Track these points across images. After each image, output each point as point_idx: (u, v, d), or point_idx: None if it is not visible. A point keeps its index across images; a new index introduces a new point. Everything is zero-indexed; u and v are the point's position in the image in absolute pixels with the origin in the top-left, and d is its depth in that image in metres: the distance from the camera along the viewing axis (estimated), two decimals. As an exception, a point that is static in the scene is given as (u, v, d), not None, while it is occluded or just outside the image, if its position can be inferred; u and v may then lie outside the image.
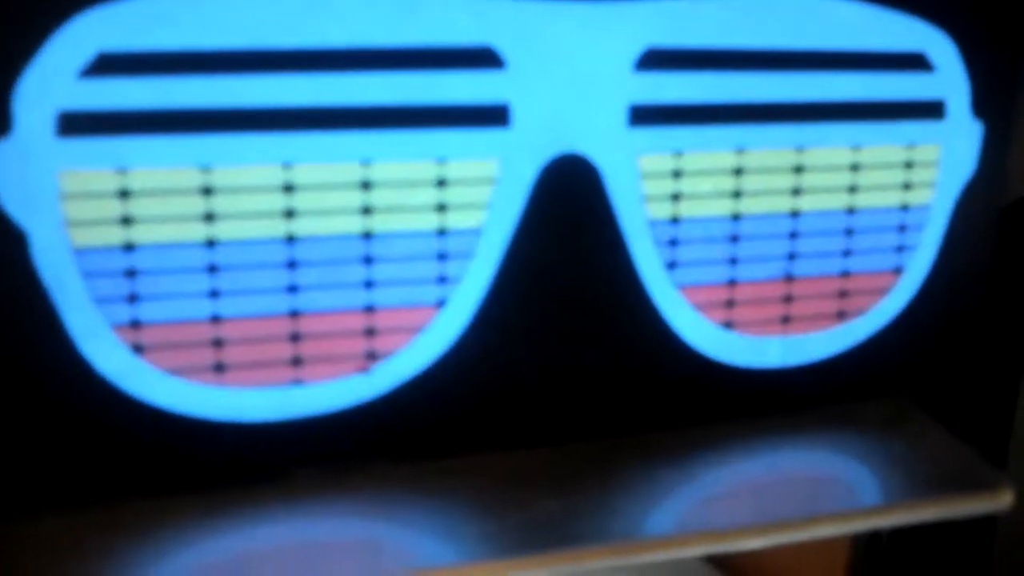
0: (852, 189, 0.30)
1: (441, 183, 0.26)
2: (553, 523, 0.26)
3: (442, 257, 0.27)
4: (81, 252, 0.24)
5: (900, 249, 0.31)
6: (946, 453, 0.31)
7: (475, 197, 0.26)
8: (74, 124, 0.23)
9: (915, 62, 0.30)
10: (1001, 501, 0.29)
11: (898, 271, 0.32)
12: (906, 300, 0.32)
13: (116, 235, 0.24)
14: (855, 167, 0.30)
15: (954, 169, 0.31)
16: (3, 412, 0.25)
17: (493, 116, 0.26)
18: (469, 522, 0.26)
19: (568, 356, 0.29)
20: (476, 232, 0.27)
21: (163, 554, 0.25)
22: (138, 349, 0.25)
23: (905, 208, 0.31)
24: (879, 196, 0.31)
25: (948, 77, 0.30)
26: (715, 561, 0.45)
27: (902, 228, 0.31)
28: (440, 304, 0.27)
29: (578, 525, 0.26)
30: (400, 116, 0.25)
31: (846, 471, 0.31)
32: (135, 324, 0.25)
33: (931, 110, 0.30)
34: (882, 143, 0.30)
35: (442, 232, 0.26)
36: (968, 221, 0.32)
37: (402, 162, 0.26)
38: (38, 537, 0.25)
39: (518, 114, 0.26)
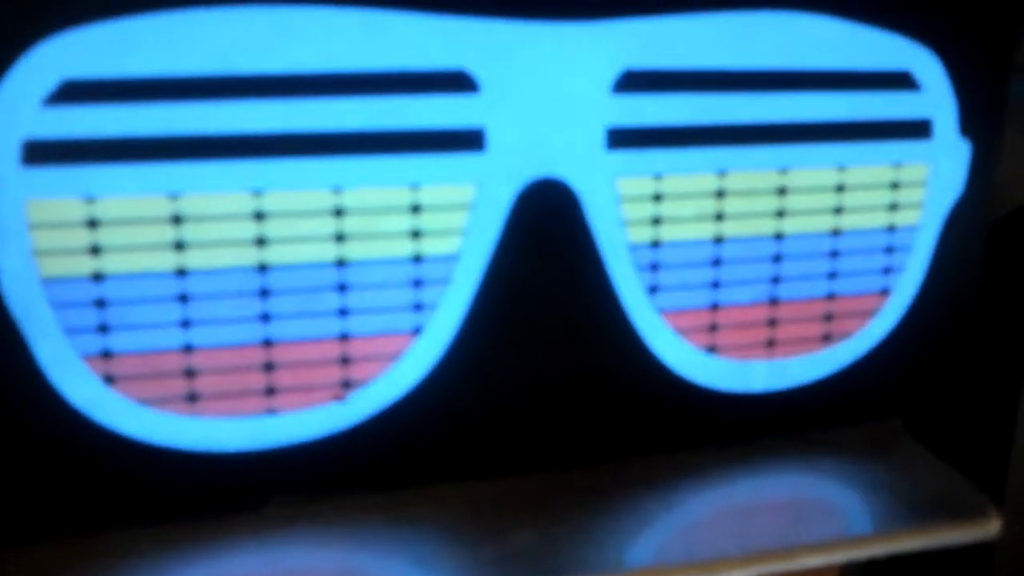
0: (837, 210, 0.30)
1: (415, 209, 0.26)
2: (531, 555, 0.26)
3: (417, 284, 0.26)
4: (49, 282, 0.24)
5: (887, 271, 0.31)
6: (935, 480, 0.31)
7: (450, 223, 0.26)
8: (40, 153, 0.23)
9: (901, 81, 0.29)
10: (990, 529, 0.29)
11: (885, 293, 0.31)
12: (894, 322, 0.32)
13: (85, 265, 0.24)
14: (840, 188, 0.30)
15: (942, 189, 0.31)
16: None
17: (468, 140, 0.26)
18: (446, 554, 0.26)
19: (547, 383, 0.29)
20: (452, 258, 0.26)
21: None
22: (109, 379, 0.25)
23: (892, 229, 0.31)
24: (865, 217, 0.30)
25: (934, 95, 0.30)
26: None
27: (889, 249, 0.31)
28: (416, 332, 0.27)
29: (556, 557, 0.26)
30: (372, 142, 0.25)
31: (832, 498, 0.30)
32: (106, 354, 0.24)
33: (918, 129, 0.30)
34: (868, 163, 0.30)
35: (417, 259, 0.26)
36: (957, 241, 0.32)
37: (375, 188, 0.25)
38: (7, 570, 0.25)
39: (493, 138, 0.26)
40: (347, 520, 0.27)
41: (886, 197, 0.30)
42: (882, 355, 0.32)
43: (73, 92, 0.23)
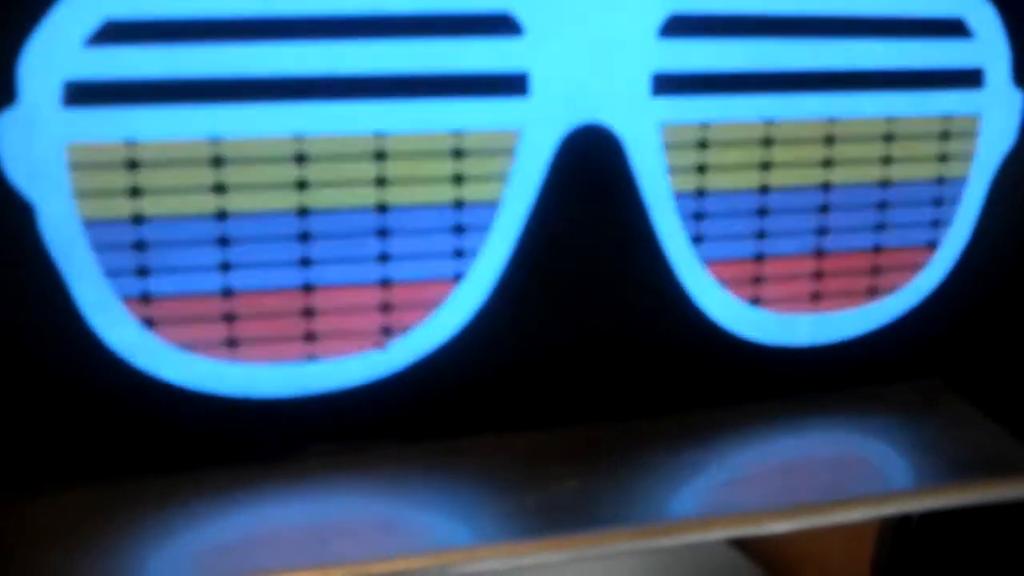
0: (886, 161, 0.29)
1: (458, 154, 0.25)
2: (573, 504, 0.26)
3: (459, 230, 0.26)
4: (90, 224, 0.23)
5: (935, 224, 0.30)
6: (980, 436, 0.30)
7: (493, 168, 0.26)
8: (81, 94, 0.22)
9: (953, 28, 0.28)
10: (1036, 485, 0.28)
11: (932, 246, 0.31)
12: (940, 277, 0.31)
13: (125, 207, 0.23)
14: (889, 138, 0.29)
15: (993, 140, 0.30)
16: (12, 386, 0.24)
17: (511, 85, 0.25)
18: (487, 503, 0.26)
19: (589, 333, 0.28)
20: (494, 204, 0.26)
21: (172, 531, 0.25)
22: (148, 322, 0.24)
23: (941, 181, 0.30)
24: (914, 168, 0.30)
25: (988, 44, 0.29)
26: (739, 545, 0.44)
27: (937, 202, 0.30)
28: (457, 278, 0.26)
29: (599, 507, 0.26)
30: (415, 85, 0.24)
31: (875, 453, 0.30)
32: (145, 297, 0.24)
33: (969, 79, 0.29)
34: (918, 113, 0.29)
35: (459, 204, 0.26)
36: (1006, 194, 0.31)
37: (418, 133, 0.25)
38: (47, 512, 0.25)
39: (537, 83, 0.25)
40: (386, 469, 0.27)
41: (936, 148, 0.30)
42: (928, 310, 0.31)
43: (115, 32, 0.22)
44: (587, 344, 0.28)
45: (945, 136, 0.29)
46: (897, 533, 0.37)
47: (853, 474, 0.29)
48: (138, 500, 0.25)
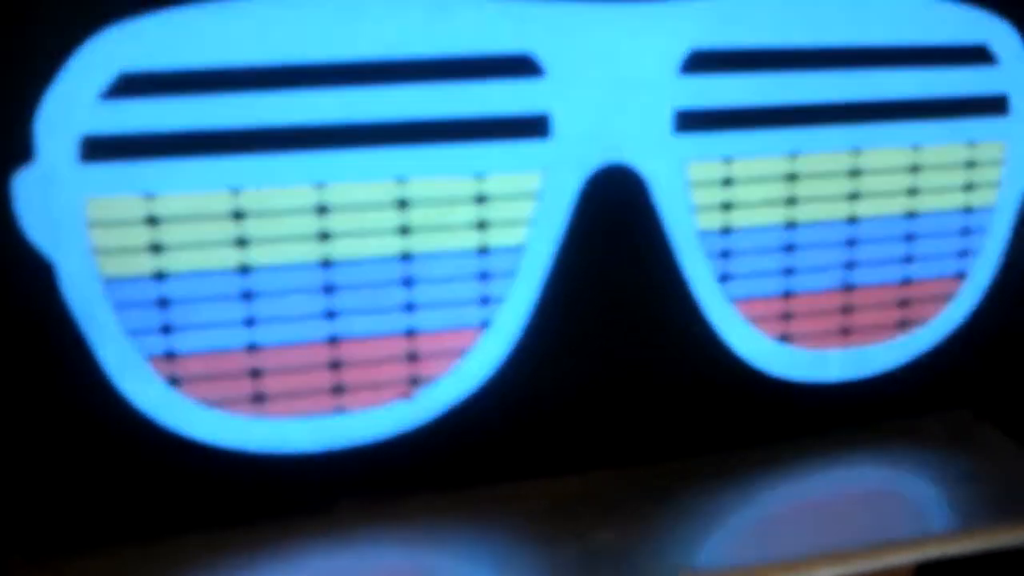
0: (912, 192, 0.29)
1: (481, 199, 0.25)
2: (609, 555, 0.25)
3: (484, 277, 0.25)
4: (111, 282, 0.23)
5: (963, 254, 0.30)
6: (1017, 470, 0.30)
7: (517, 212, 0.25)
8: (98, 149, 0.22)
9: (976, 55, 0.28)
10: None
11: (961, 277, 0.30)
12: (971, 307, 0.31)
13: (146, 263, 0.23)
14: (915, 168, 0.29)
15: (1019, 167, 0.30)
16: (38, 448, 0.24)
17: (533, 127, 0.25)
18: (522, 554, 0.25)
19: (618, 376, 0.28)
20: (519, 249, 0.26)
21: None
22: (174, 381, 0.24)
23: (968, 210, 0.29)
24: (940, 199, 0.29)
25: (1012, 69, 0.28)
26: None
27: (965, 231, 0.30)
28: (484, 325, 0.26)
29: (634, 557, 0.25)
30: (436, 130, 0.24)
31: (912, 490, 0.29)
32: (170, 355, 0.24)
33: (994, 105, 0.29)
34: (943, 142, 0.29)
35: (483, 250, 0.25)
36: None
37: (439, 178, 0.24)
38: (77, 574, 0.24)
39: (559, 124, 0.25)
40: (418, 521, 0.26)
41: (961, 177, 0.29)
42: (960, 341, 0.31)
43: (130, 85, 0.22)
44: (616, 387, 0.28)
45: (971, 164, 0.29)
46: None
47: (890, 513, 0.28)
48: (167, 560, 0.25)
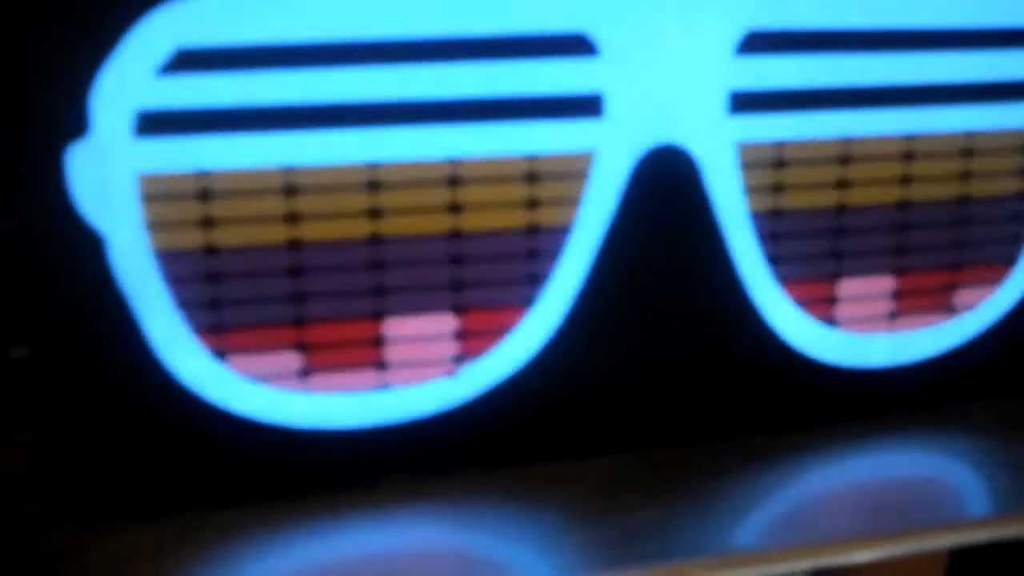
0: (964, 177, 0.28)
1: (532, 178, 0.25)
2: (651, 534, 0.25)
3: (532, 255, 0.25)
4: (161, 256, 0.23)
5: (1014, 240, 0.29)
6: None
7: (568, 192, 0.25)
8: (153, 124, 0.22)
9: (1034, 39, 0.28)
10: None
11: (1011, 263, 0.30)
12: (1020, 294, 0.30)
13: (197, 238, 0.23)
14: (967, 153, 0.28)
15: (1074, 154, 0.29)
16: (85, 421, 0.24)
17: (586, 106, 0.25)
18: (565, 533, 0.25)
19: (663, 357, 0.28)
20: (568, 229, 0.25)
21: (246, 564, 0.24)
22: (220, 354, 0.24)
23: (1021, 196, 0.29)
24: (993, 184, 0.29)
25: (1071, 55, 0.28)
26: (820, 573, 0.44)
27: (1016, 218, 0.29)
28: (530, 304, 0.26)
29: (676, 536, 0.25)
30: (489, 109, 0.24)
31: (958, 476, 0.29)
32: (217, 328, 0.24)
33: (1051, 91, 0.28)
34: (997, 127, 0.28)
35: (532, 229, 0.25)
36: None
37: (491, 157, 0.24)
38: (122, 546, 0.24)
39: (612, 104, 0.25)
40: (461, 498, 0.26)
41: (1015, 162, 0.29)
42: (1009, 328, 0.30)
43: (187, 61, 0.22)
44: (662, 368, 0.28)
45: (1025, 150, 0.29)
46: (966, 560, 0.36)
47: (935, 498, 0.28)
48: (210, 534, 0.25)
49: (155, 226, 0.23)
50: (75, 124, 0.22)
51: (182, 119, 0.22)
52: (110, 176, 0.22)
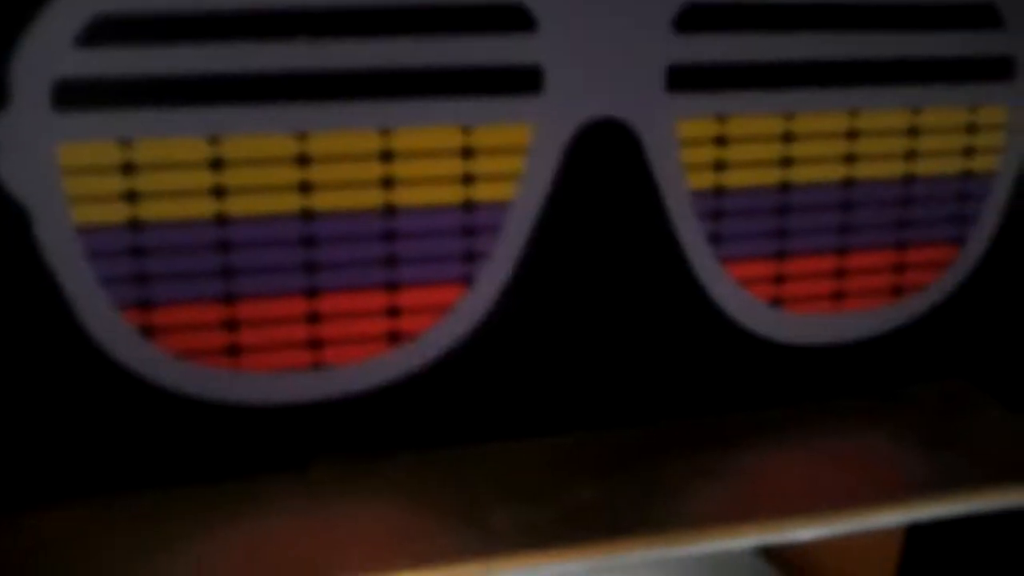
0: (910, 155, 0.28)
1: (468, 152, 0.24)
2: (592, 512, 0.25)
3: (468, 232, 0.25)
4: (85, 230, 0.23)
5: (961, 220, 0.29)
6: (1008, 439, 0.29)
7: (505, 167, 0.25)
8: (73, 94, 0.22)
9: (982, 15, 0.27)
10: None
11: (958, 243, 0.30)
12: (966, 275, 0.30)
13: (121, 212, 0.23)
14: (913, 131, 0.28)
15: (1022, 133, 0.29)
16: (8, 396, 0.24)
17: (524, 80, 0.24)
18: (501, 512, 0.25)
19: (605, 336, 0.27)
20: (505, 205, 0.25)
21: (177, 543, 0.24)
22: (147, 332, 0.24)
23: (967, 176, 0.29)
24: (939, 163, 0.29)
25: (1019, 32, 0.28)
26: (766, 554, 0.44)
27: (963, 197, 0.29)
28: (467, 281, 0.25)
29: (619, 514, 0.25)
30: (423, 81, 0.24)
31: (902, 456, 0.29)
32: (144, 305, 0.23)
33: (998, 68, 0.28)
34: (943, 104, 0.28)
35: (469, 205, 0.25)
36: (1035, 189, 0.30)
37: (425, 130, 0.24)
38: (44, 527, 0.24)
39: (551, 77, 0.24)
40: (398, 478, 0.26)
41: (962, 141, 0.28)
42: (954, 309, 0.30)
43: (107, 29, 0.21)
44: (602, 347, 0.27)
45: (972, 129, 0.28)
46: (919, 543, 0.36)
47: (880, 477, 0.28)
48: (139, 513, 0.24)
49: (77, 199, 0.22)
50: (-8, 94, 0.21)
51: (104, 89, 0.22)
52: (31, 148, 0.22)
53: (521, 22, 0.24)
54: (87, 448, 0.24)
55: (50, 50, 0.21)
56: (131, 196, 0.22)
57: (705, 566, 0.43)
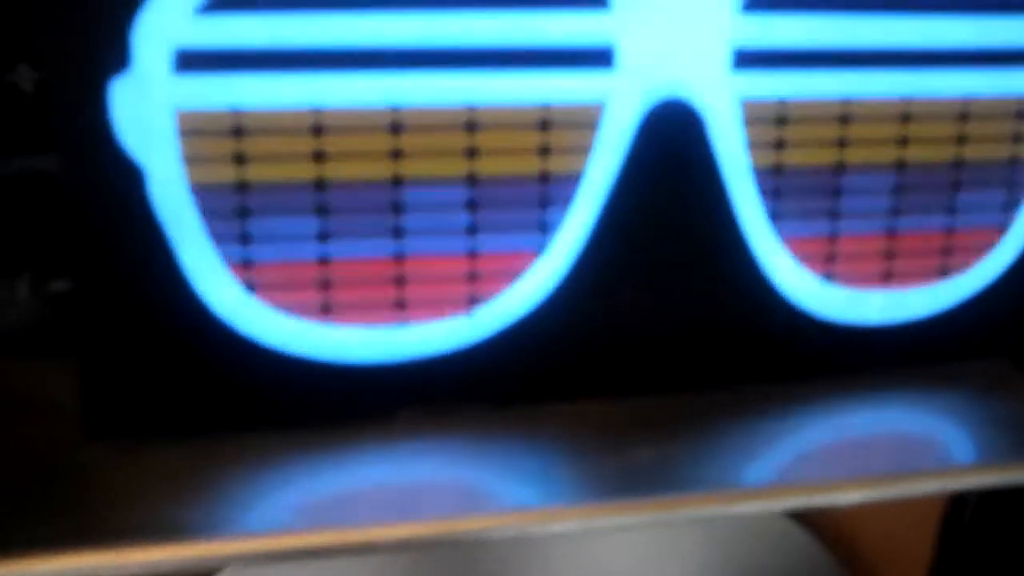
0: (960, 141, 0.29)
1: (545, 126, 0.26)
2: (648, 470, 0.26)
3: (543, 202, 0.27)
4: (196, 190, 0.24)
5: (1008, 205, 0.31)
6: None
7: (577, 141, 0.26)
8: (191, 61, 0.23)
9: (1027, 5, 0.29)
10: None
11: (1004, 228, 0.31)
12: (1012, 259, 0.31)
13: (230, 173, 0.24)
14: (964, 117, 0.29)
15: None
16: (122, 348, 0.25)
17: (597, 58, 0.26)
18: (565, 467, 0.27)
19: (667, 306, 0.29)
20: (578, 177, 0.27)
21: (265, 489, 0.25)
22: (250, 287, 0.25)
23: (1015, 162, 0.30)
24: (988, 149, 0.30)
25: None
26: (804, 520, 0.45)
27: (1011, 183, 0.30)
28: (541, 250, 0.27)
29: (673, 473, 0.26)
30: (504, 57, 0.25)
31: (945, 431, 0.30)
32: (247, 262, 0.25)
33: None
34: (994, 93, 0.29)
35: (544, 178, 0.26)
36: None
37: (506, 105, 0.26)
38: (148, 467, 0.26)
39: (623, 56, 0.26)
40: (470, 434, 0.27)
41: (1011, 128, 0.30)
42: (999, 292, 0.31)
43: (225, 2, 0.23)
44: (664, 317, 0.29)
45: (1021, 116, 0.30)
46: (958, 516, 0.37)
47: (922, 450, 0.29)
48: (233, 458, 0.26)
49: (191, 160, 0.24)
50: (117, 60, 0.23)
51: (218, 58, 0.24)
52: (149, 111, 0.24)
53: (596, 2, 0.25)
54: (189, 395, 0.26)
55: (171, 19, 0.23)
56: (239, 159, 0.24)
57: (746, 526, 0.44)
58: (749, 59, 0.27)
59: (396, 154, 0.25)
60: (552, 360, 0.28)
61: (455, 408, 0.28)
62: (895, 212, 0.30)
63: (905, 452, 0.29)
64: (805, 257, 0.29)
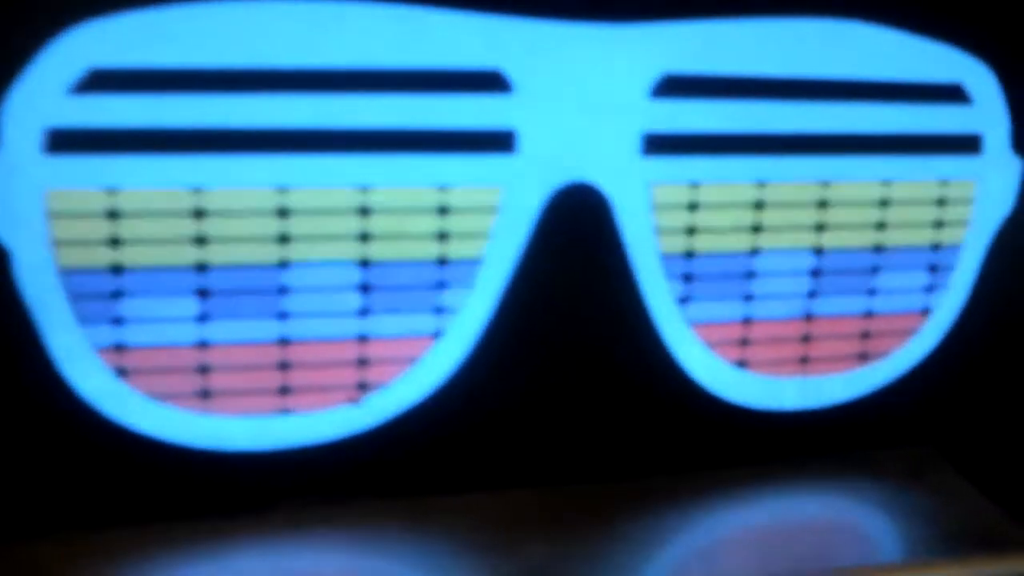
0: (880, 226, 0.29)
1: (443, 210, 0.25)
2: (543, 570, 0.25)
3: (440, 287, 0.26)
4: (66, 272, 0.23)
5: (929, 289, 0.30)
6: (970, 508, 0.30)
7: (477, 226, 0.25)
8: (62, 141, 0.22)
9: (951, 93, 0.28)
10: (1025, 563, 0.28)
11: (926, 313, 0.30)
12: (933, 344, 0.31)
13: (103, 256, 0.23)
14: (884, 203, 0.29)
15: (990, 207, 0.30)
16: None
17: (498, 142, 0.25)
18: (459, 565, 0.25)
19: (570, 394, 0.28)
20: (477, 262, 0.26)
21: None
22: (121, 372, 0.24)
23: (936, 247, 0.29)
24: (908, 234, 0.29)
25: (986, 110, 0.28)
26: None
27: (932, 268, 0.30)
28: (436, 335, 0.26)
29: (566, 574, 0.25)
30: (401, 140, 0.24)
31: (863, 522, 0.29)
32: (119, 347, 0.24)
33: (967, 144, 0.29)
34: (914, 178, 0.29)
35: (442, 261, 0.25)
36: (1003, 261, 0.30)
37: (402, 188, 0.25)
38: (12, 563, 0.24)
39: (525, 140, 0.25)
40: (357, 525, 0.26)
41: (931, 214, 0.29)
42: (920, 377, 0.31)
43: (99, 81, 0.22)
44: (568, 405, 0.28)
45: (941, 202, 0.29)
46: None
47: (839, 543, 0.28)
48: (106, 551, 0.25)
49: (61, 243, 0.23)
50: (-17, 138, 0.22)
51: (92, 138, 0.22)
52: (18, 191, 0.22)
53: (498, 86, 0.25)
54: (58, 485, 0.25)
55: (42, 98, 0.22)
56: (113, 242, 0.23)
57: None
58: (659, 144, 0.26)
59: (283, 238, 0.24)
60: (447, 449, 0.27)
61: (342, 499, 0.27)
62: (812, 296, 0.29)
63: (821, 545, 0.28)
64: (718, 343, 0.28)
